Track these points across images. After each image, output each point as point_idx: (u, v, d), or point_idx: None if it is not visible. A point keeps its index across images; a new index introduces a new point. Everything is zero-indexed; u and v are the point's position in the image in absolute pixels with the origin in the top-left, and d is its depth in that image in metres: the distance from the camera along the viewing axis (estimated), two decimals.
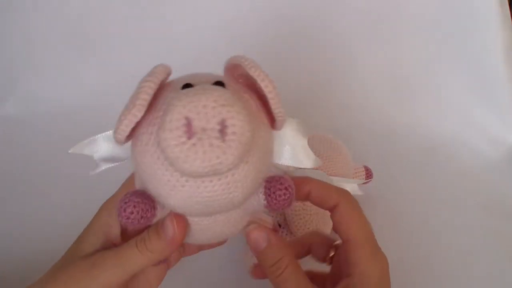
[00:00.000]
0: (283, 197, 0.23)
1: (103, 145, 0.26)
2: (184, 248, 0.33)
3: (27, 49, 0.63)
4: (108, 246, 0.27)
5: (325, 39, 0.60)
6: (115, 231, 0.28)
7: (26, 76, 0.64)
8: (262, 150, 0.22)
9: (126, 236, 0.28)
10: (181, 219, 0.24)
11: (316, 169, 0.42)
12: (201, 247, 0.33)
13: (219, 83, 0.21)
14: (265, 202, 0.23)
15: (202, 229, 0.24)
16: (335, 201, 0.27)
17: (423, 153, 0.59)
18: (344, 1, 0.58)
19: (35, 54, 0.63)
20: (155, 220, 0.23)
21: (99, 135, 0.26)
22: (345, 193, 0.28)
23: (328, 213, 0.38)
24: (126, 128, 0.20)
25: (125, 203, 0.21)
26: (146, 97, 0.19)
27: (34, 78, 0.64)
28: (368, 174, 0.48)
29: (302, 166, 0.26)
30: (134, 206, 0.21)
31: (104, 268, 0.25)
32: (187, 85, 0.20)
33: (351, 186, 0.42)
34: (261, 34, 0.60)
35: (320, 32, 0.60)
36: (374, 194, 0.48)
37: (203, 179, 0.19)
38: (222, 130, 0.18)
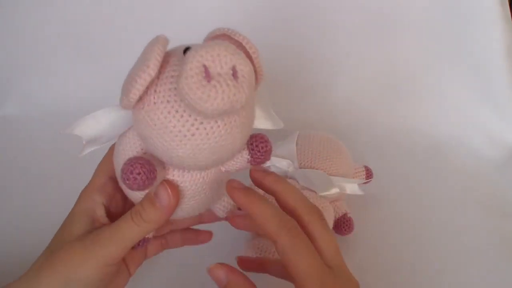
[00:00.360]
0: (265, 149, 0.27)
1: (102, 119, 0.27)
2: (167, 240, 0.34)
3: (25, 50, 0.63)
4: (97, 227, 0.28)
5: (325, 39, 0.60)
6: (100, 213, 0.29)
7: (25, 77, 0.64)
8: (252, 102, 0.25)
9: (111, 216, 0.30)
10: (173, 185, 0.26)
11: (317, 169, 0.42)
12: (185, 241, 0.35)
13: None
14: (249, 156, 0.27)
15: (190, 194, 0.27)
16: (273, 238, 0.25)
17: (423, 153, 0.59)
18: (344, 1, 0.58)
19: (34, 55, 0.63)
20: (155, 184, 0.25)
21: (91, 114, 0.27)
22: (286, 229, 0.25)
23: (327, 213, 0.38)
24: (141, 88, 0.22)
25: (131, 165, 0.24)
26: (159, 58, 0.22)
27: (33, 79, 0.64)
28: (369, 174, 0.48)
29: (267, 128, 0.30)
30: (141, 167, 0.23)
31: (104, 244, 0.26)
32: (188, 49, 0.23)
33: (352, 186, 0.42)
34: (260, 34, 0.60)
35: (320, 32, 0.60)
36: (374, 194, 0.49)
37: (211, 125, 0.22)
38: (234, 74, 0.21)
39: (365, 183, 0.47)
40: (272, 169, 0.43)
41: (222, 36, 0.25)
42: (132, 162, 0.24)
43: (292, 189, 0.28)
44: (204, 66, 0.21)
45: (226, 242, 0.44)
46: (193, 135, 0.22)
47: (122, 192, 0.30)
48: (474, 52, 0.58)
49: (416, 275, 0.41)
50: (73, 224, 0.29)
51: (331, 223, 0.39)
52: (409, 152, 0.59)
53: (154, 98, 0.23)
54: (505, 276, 0.42)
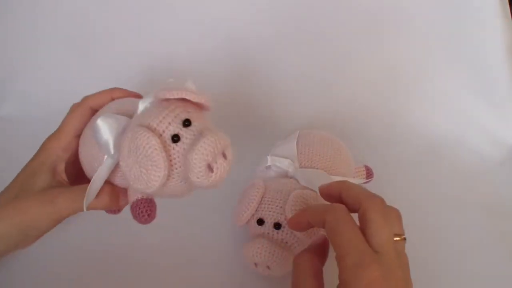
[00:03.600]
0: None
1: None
2: None
3: (25, 50, 0.63)
4: (57, 182, 0.34)
5: (325, 38, 0.60)
6: (61, 169, 0.34)
7: (24, 77, 0.64)
8: None
9: (68, 172, 0.35)
10: (115, 192, 0.33)
11: (317, 168, 0.42)
12: None
13: (188, 120, 0.30)
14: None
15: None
16: (322, 220, 0.30)
17: (423, 153, 0.59)
18: (345, 1, 0.58)
19: (33, 55, 0.63)
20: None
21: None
22: (332, 211, 0.29)
23: None
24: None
25: (143, 209, 0.33)
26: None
27: (32, 79, 0.64)
28: (369, 174, 0.48)
29: None
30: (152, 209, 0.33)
31: (61, 205, 0.32)
32: (175, 136, 0.30)
33: None
34: (260, 34, 0.60)
35: (320, 32, 0.60)
36: (375, 193, 0.48)
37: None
38: (224, 156, 0.29)
39: (365, 182, 0.47)
40: (273, 169, 0.43)
41: (180, 100, 0.31)
42: (143, 206, 0.33)
43: (354, 184, 0.31)
44: (207, 164, 0.28)
45: (227, 243, 0.44)
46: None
47: None
48: (474, 52, 0.58)
49: (416, 275, 0.41)
50: (37, 175, 0.33)
51: None
52: (409, 152, 0.59)
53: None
54: (505, 276, 0.42)
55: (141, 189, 0.30)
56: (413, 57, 0.61)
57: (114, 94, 0.38)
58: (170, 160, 0.30)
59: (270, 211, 0.38)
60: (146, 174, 0.29)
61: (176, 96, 0.30)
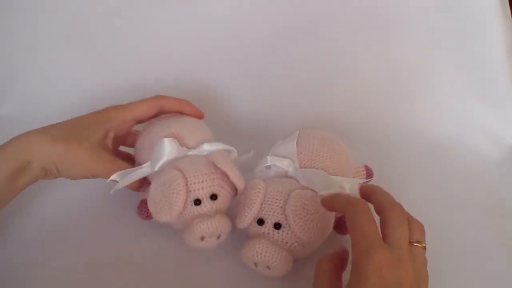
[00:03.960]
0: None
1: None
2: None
3: (26, 50, 0.63)
4: (104, 145, 0.39)
5: (325, 38, 0.60)
6: (110, 136, 0.40)
7: (25, 77, 0.64)
8: None
9: (115, 142, 0.42)
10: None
11: (317, 168, 0.42)
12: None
13: (215, 196, 0.37)
14: None
15: None
16: (343, 211, 0.32)
17: (423, 153, 0.59)
18: (344, 1, 0.58)
19: (34, 55, 0.63)
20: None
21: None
22: (352, 203, 0.32)
23: (327, 212, 0.38)
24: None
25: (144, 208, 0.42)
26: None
27: (33, 79, 0.64)
28: (369, 174, 0.48)
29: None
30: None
31: (105, 169, 0.38)
32: (198, 201, 0.36)
33: (352, 186, 0.42)
34: (260, 34, 0.60)
35: (320, 32, 0.59)
36: None
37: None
38: (218, 237, 0.38)
39: (365, 182, 0.47)
40: (273, 169, 0.43)
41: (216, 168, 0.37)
42: (147, 207, 0.38)
43: (384, 191, 0.34)
44: (202, 237, 0.36)
45: (226, 243, 0.44)
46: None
47: (129, 133, 0.44)
48: (473, 52, 0.58)
49: None
50: (96, 130, 0.38)
51: (330, 222, 0.39)
52: (409, 152, 0.59)
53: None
54: (505, 276, 0.42)
55: (150, 210, 0.37)
56: (413, 57, 0.61)
57: (184, 108, 0.44)
58: (182, 211, 0.36)
59: (270, 211, 0.38)
60: (160, 209, 0.36)
61: (223, 170, 0.37)
